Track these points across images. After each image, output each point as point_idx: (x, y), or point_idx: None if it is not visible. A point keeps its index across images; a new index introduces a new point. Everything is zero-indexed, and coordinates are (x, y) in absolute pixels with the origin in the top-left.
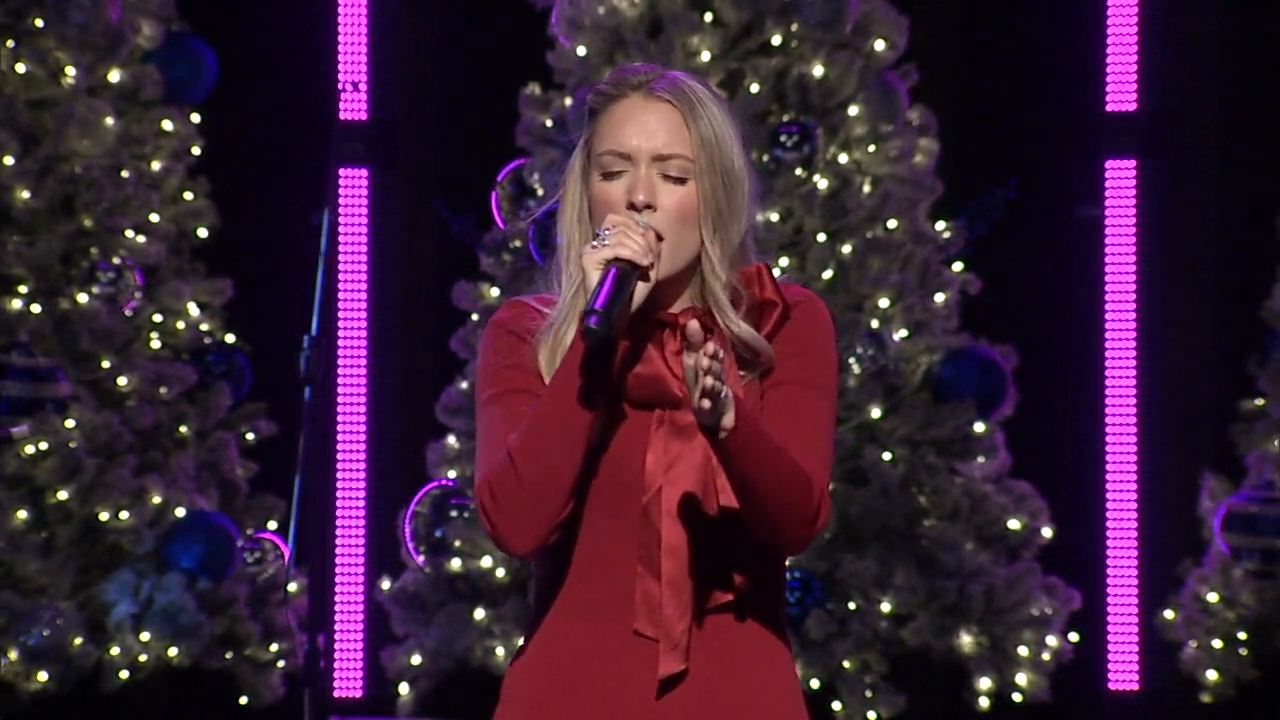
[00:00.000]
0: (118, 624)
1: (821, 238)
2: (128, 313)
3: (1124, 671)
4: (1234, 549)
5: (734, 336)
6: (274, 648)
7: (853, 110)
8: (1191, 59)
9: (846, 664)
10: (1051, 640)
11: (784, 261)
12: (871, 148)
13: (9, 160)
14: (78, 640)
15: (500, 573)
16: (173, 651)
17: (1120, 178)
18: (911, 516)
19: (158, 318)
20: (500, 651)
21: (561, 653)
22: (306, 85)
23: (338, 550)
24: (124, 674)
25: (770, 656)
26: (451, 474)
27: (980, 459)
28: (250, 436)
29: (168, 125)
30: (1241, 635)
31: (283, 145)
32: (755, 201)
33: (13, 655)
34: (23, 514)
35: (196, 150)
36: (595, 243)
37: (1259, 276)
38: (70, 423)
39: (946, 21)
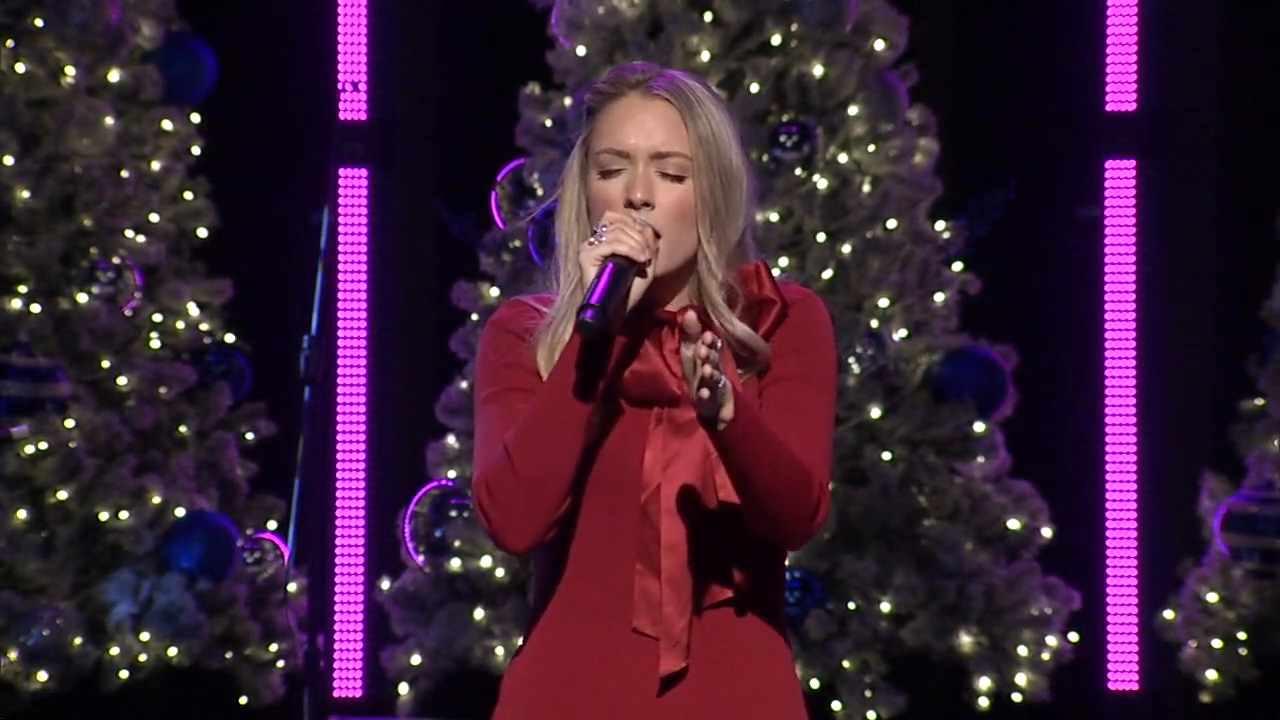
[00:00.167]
0: (117, 624)
1: (821, 238)
2: (128, 313)
3: (1124, 671)
4: (1234, 549)
5: (730, 335)
6: (274, 648)
7: (852, 110)
8: (1191, 59)
9: (846, 664)
10: (1051, 640)
11: (784, 261)
12: (871, 148)
13: (9, 160)
14: (77, 640)
15: (500, 573)
16: (172, 651)
17: (1120, 178)
18: (911, 516)
19: (158, 318)
20: (500, 651)
21: (561, 651)
22: (306, 85)
23: (337, 550)
24: (124, 674)
25: (770, 654)
26: (451, 474)
27: (980, 459)
28: (250, 436)
29: (167, 125)
30: (1241, 635)
31: (283, 145)
32: (753, 200)
33: (13, 655)
34: (23, 514)
35: (196, 150)
36: (592, 239)
37: (1259, 276)
38: (70, 423)
39: (946, 21)
